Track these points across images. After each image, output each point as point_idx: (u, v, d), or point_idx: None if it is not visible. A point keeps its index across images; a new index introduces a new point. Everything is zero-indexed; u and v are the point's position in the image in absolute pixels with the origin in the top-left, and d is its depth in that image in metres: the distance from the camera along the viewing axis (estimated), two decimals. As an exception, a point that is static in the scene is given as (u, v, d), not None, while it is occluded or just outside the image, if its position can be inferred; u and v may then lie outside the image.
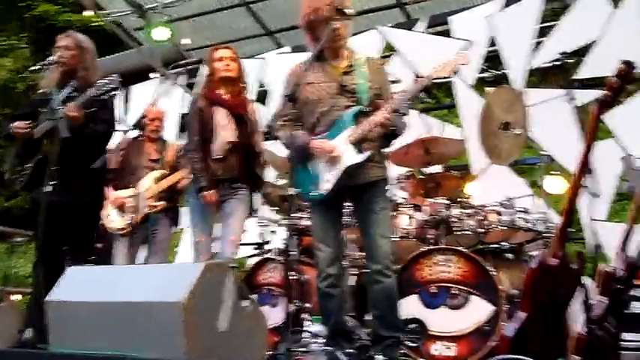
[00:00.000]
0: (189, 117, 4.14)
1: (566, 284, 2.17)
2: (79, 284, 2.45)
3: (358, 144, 3.28)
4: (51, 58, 3.97)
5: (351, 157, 3.28)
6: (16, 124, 3.98)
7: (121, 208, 4.61)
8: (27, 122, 3.97)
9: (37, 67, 4.03)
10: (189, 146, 4.11)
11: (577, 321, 2.16)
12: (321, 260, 3.36)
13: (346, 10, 3.37)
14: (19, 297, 7.95)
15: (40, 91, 4.18)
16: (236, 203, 4.02)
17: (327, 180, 3.31)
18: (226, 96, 4.08)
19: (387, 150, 3.57)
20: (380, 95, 3.41)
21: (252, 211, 4.19)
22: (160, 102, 4.21)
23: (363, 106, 3.33)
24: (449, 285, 3.95)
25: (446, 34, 6.90)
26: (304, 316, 4.24)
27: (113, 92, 3.82)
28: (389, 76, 3.67)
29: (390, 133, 3.36)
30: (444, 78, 3.50)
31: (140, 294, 2.22)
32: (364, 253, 4.41)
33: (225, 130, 3.98)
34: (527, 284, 2.21)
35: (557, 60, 6.17)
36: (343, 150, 3.29)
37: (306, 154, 3.37)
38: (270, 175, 6.30)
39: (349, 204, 3.65)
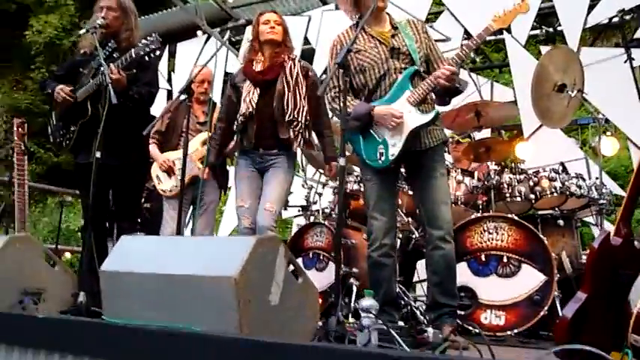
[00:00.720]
0: (225, 93, 4.20)
1: (631, 265, 2.08)
2: (132, 254, 2.46)
3: (420, 105, 3.22)
4: (97, 21, 3.91)
5: (415, 118, 3.20)
6: (61, 87, 3.95)
7: (169, 171, 4.63)
8: (71, 89, 3.95)
9: (82, 32, 3.99)
10: (217, 121, 4.23)
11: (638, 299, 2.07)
12: (376, 229, 3.31)
13: None
14: (68, 255, 8.18)
15: (82, 51, 4.13)
16: (273, 172, 3.95)
17: (394, 145, 3.24)
18: (260, 64, 4.01)
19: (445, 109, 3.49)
20: (429, 55, 3.36)
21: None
22: (206, 62, 4.11)
23: (417, 67, 3.27)
24: (499, 253, 3.88)
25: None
26: (352, 281, 4.24)
27: (154, 52, 3.76)
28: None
29: (453, 89, 3.24)
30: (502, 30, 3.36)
31: (193, 267, 2.21)
32: (410, 219, 4.42)
33: (244, 103, 3.96)
34: (588, 264, 2.12)
35: (614, 17, 5.95)
36: (407, 112, 3.21)
37: (369, 122, 3.29)
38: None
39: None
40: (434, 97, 3.33)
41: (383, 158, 3.27)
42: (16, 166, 4.84)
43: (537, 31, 7.00)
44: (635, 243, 2.14)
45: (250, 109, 3.92)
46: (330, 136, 4.09)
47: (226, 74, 7.93)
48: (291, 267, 2.32)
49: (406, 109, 3.21)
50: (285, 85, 3.92)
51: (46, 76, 15.07)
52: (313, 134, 4.16)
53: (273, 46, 4.02)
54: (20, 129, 4.82)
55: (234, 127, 4.03)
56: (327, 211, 5.00)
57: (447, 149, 4.88)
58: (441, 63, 3.32)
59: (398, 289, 3.81)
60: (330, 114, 3.74)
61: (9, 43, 15.91)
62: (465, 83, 3.31)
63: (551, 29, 6.96)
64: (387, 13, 3.45)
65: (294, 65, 3.98)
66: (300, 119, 3.89)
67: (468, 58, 3.21)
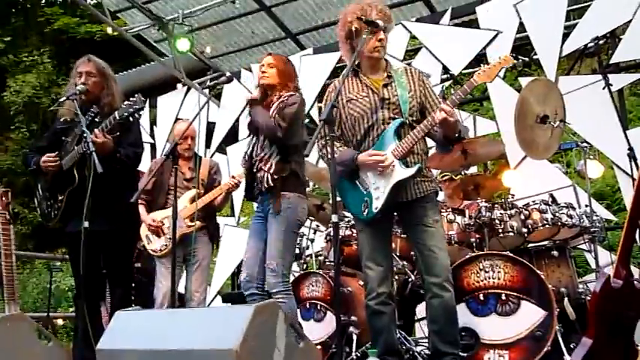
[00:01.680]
0: None
1: (633, 306, 2.06)
2: (128, 330, 2.42)
3: (404, 158, 3.21)
4: (78, 87, 3.90)
5: (398, 172, 3.19)
6: (45, 158, 3.92)
7: (157, 231, 4.59)
8: (55, 155, 3.92)
9: (62, 99, 3.96)
10: None
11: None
12: (371, 279, 3.30)
13: (379, 22, 3.28)
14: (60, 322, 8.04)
15: (62, 119, 4.10)
16: (270, 219, 3.75)
17: (377, 198, 3.23)
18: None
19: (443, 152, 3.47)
20: (423, 104, 3.34)
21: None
22: (186, 115, 4.11)
23: (404, 118, 3.25)
24: (497, 291, 3.85)
25: (470, 23, 6.76)
26: (351, 329, 4.19)
27: (138, 112, 3.75)
28: (430, 85, 3.54)
29: (452, 136, 3.25)
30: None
31: (192, 341, 2.17)
32: (406, 262, 4.39)
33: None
34: (591, 309, 2.11)
35: (589, 44, 6.04)
36: (391, 165, 3.21)
37: (354, 170, 3.28)
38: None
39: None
40: (423, 146, 3.31)
41: (367, 210, 3.27)
42: (1, 237, 4.76)
43: (515, 62, 7.09)
44: (636, 283, 2.13)
45: (245, 159, 3.90)
46: None
47: (208, 124, 7.97)
48: (293, 332, 2.29)
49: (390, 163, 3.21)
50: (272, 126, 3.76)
51: (26, 135, 15.06)
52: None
53: (270, 89, 3.88)
54: (4, 198, 4.75)
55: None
56: (320, 258, 4.97)
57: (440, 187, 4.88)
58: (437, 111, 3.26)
59: (398, 335, 3.76)
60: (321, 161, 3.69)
61: (-13, 105, 15.90)
62: (466, 129, 3.32)
63: (527, 59, 7.07)
64: (386, 60, 3.46)
65: (275, 102, 3.81)
66: (272, 159, 3.74)
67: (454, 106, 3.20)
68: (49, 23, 16.37)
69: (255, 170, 3.81)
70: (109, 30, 7.96)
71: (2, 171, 15.12)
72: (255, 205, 3.97)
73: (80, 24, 15.90)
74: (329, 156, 3.24)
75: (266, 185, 3.71)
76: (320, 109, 3.62)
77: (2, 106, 15.42)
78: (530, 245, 4.52)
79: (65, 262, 9.05)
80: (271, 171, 3.70)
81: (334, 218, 2.73)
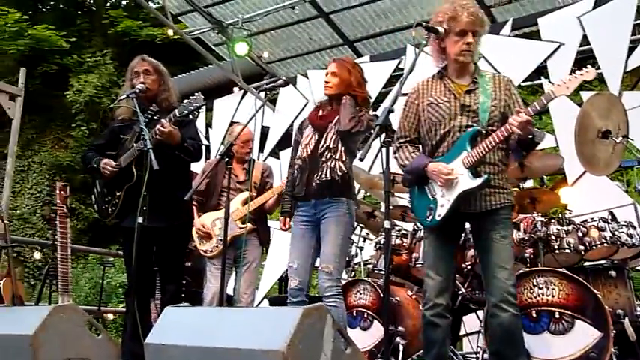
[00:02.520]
0: (293, 139, 4.11)
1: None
2: (177, 326, 2.43)
3: (474, 168, 3.10)
4: (138, 86, 3.96)
5: (465, 182, 3.10)
6: (106, 163, 3.99)
7: (206, 238, 4.63)
8: (115, 164, 3.98)
9: (122, 97, 4.03)
10: (288, 168, 4.08)
11: None
12: (430, 288, 3.19)
13: (482, 31, 3.19)
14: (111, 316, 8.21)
15: (119, 117, 4.17)
16: (326, 224, 3.72)
17: (442, 206, 3.15)
18: (323, 112, 3.92)
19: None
20: (506, 114, 3.15)
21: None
22: (241, 119, 4.13)
23: (481, 128, 3.13)
24: (551, 309, 3.74)
25: (531, 35, 6.65)
26: (398, 339, 4.14)
27: (198, 110, 3.80)
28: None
29: (528, 141, 3.07)
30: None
31: (239, 340, 2.16)
32: (457, 275, 4.30)
33: (301, 147, 3.89)
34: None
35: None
36: (459, 174, 3.11)
37: (424, 177, 3.21)
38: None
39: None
40: (500, 156, 3.19)
41: (430, 217, 3.19)
42: (59, 229, 4.90)
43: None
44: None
45: (304, 154, 3.83)
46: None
47: (263, 128, 8.03)
48: (340, 337, 2.26)
49: (459, 172, 3.11)
50: (333, 128, 3.80)
51: (86, 134, 15.47)
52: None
53: (333, 99, 3.88)
54: (62, 192, 4.89)
55: (294, 173, 3.89)
56: (369, 266, 4.93)
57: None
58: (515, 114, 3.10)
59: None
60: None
61: (50, 103, 16.40)
62: (542, 134, 3.17)
63: (590, 73, 6.88)
64: (475, 64, 3.31)
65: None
66: (336, 157, 3.74)
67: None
68: (112, 25, 16.82)
69: (321, 162, 3.75)
70: (170, 32, 8.13)
71: (62, 167, 15.57)
72: (300, 209, 3.87)
73: (142, 27, 16.28)
74: (404, 162, 3.30)
75: (339, 173, 3.70)
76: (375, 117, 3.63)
77: (65, 104, 15.88)
78: (586, 264, 4.39)
79: (117, 259, 9.29)
80: (343, 159, 3.73)
81: (387, 224, 2.69)
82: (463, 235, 4.13)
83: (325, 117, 3.89)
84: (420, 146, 3.35)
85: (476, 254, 4.26)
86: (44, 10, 19.20)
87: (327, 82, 3.88)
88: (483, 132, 3.12)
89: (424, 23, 3.23)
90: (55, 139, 16.52)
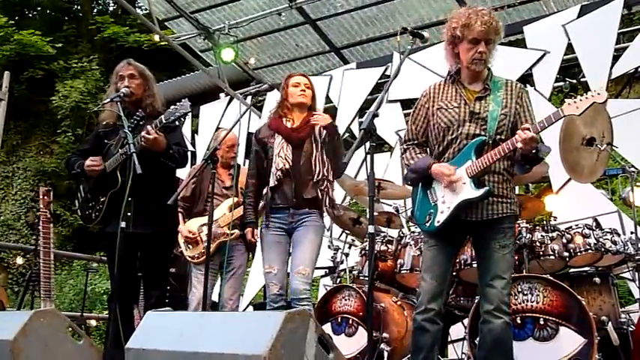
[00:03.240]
0: (252, 148, 4.14)
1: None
2: (158, 331, 2.40)
3: (477, 177, 3.08)
4: (122, 90, 3.93)
5: (466, 191, 3.08)
6: (89, 162, 3.96)
7: (193, 244, 4.60)
8: (99, 158, 3.96)
9: (106, 101, 4.00)
10: (249, 178, 4.14)
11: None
12: (423, 292, 3.18)
13: (497, 39, 3.17)
14: (94, 323, 8.13)
15: (104, 122, 4.14)
16: (304, 231, 3.85)
17: (442, 212, 3.14)
18: (289, 122, 4.01)
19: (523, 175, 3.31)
20: (516, 123, 3.13)
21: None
22: (227, 124, 4.11)
23: (488, 137, 3.10)
24: (535, 315, 3.74)
25: (517, 43, 6.69)
26: (382, 346, 4.12)
27: (185, 116, 3.78)
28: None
29: (531, 156, 3.04)
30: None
31: (220, 345, 2.14)
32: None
33: (278, 157, 3.91)
34: (636, 338, 2.01)
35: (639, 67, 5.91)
36: (462, 182, 3.10)
37: (427, 178, 3.21)
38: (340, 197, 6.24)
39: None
40: (506, 165, 3.17)
41: (429, 223, 3.19)
42: (41, 235, 4.84)
43: (561, 83, 6.98)
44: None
45: (287, 166, 3.87)
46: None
47: (249, 135, 8.01)
48: (323, 342, 2.24)
49: (462, 180, 3.10)
50: (314, 145, 3.91)
51: (72, 140, 15.37)
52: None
53: (302, 108, 4.04)
54: (46, 197, 4.83)
55: (270, 182, 3.92)
56: (354, 272, 4.91)
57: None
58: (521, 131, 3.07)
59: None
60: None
61: (35, 109, 16.30)
62: (547, 149, 3.14)
63: (574, 81, 6.94)
64: (489, 69, 3.27)
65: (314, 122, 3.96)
66: (328, 177, 3.89)
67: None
68: (99, 31, 16.76)
69: (307, 178, 3.87)
70: (156, 38, 8.11)
71: (47, 173, 15.46)
72: (275, 216, 3.93)
73: (129, 33, 16.24)
74: (409, 161, 3.33)
75: (326, 191, 3.89)
76: (360, 124, 3.63)
77: (50, 110, 15.78)
78: (571, 270, 4.39)
79: (102, 265, 9.20)
80: (330, 178, 3.92)
81: (371, 229, 2.68)
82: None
83: (298, 129, 3.97)
84: (428, 149, 3.35)
85: (461, 261, 4.27)
86: (30, 15, 19.13)
87: (303, 91, 4.03)
88: (490, 141, 3.10)
89: (409, 29, 3.22)
90: (40, 144, 16.41)
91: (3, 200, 15.26)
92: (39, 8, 19.24)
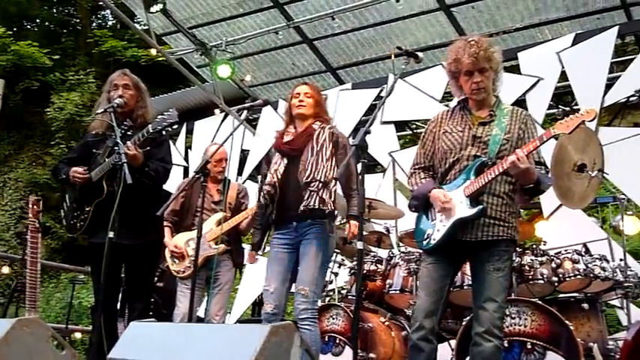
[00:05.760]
0: (262, 172, 4.09)
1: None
2: (141, 342, 2.37)
3: (473, 197, 3.11)
4: (116, 100, 3.92)
5: (461, 210, 3.12)
6: (74, 170, 3.94)
7: (179, 258, 4.57)
8: (84, 168, 3.94)
9: (99, 111, 3.99)
10: (258, 201, 4.01)
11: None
12: (418, 309, 3.19)
13: (492, 65, 3.21)
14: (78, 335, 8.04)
15: (93, 132, 4.12)
16: (306, 246, 3.71)
17: (438, 230, 3.19)
18: (290, 135, 3.95)
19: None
20: (519, 147, 3.13)
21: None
22: (221, 140, 4.08)
23: (488, 159, 3.14)
24: (523, 339, 3.72)
25: (511, 69, 6.73)
26: (368, 366, 4.09)
27: (171, 127, 3.74)
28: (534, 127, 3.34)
29: (527, 186, 3.10)
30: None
31: (204, 357, 2.12)
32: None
33: (269, 173, 3.86)
34: (624, 356, 2.00)
35: (631, 96, 5.95)
36: (458, 202, 3.14)
37: (427, 202, 3.26)
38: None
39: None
40: (507, 189, 3.18)
41: (426, 241, 3.23)
42: (29, 244, 4.78)
43: (554, 110, 7.02)
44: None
45: (275, 179, 3.80)
46: (354, 196, 3.81)
47: (242, 152, 8.01)
48: (308, 357, 2.22)
49: (459, 199, 3.14)
50: (310, 152, 3.78)
51: (65, 152, 15.33)
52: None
53: (303, 119, 3.92)
54: (35, 206, 4.79)
55: (262, 200, 3.86)
56: (343, 292, 4.89)
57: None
58: (533, 156, 3.14)
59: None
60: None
61: (29, 120, 16.26)
62: (548, 180, 3.16)
63: (567, 108, 6.98)
64: (496, 97, 3.33)
65: (323, 132, 3.84)
66: (318, 178, 3.70)
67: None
68: (97, 45, 16.80)
69: (306, 190, 3.71)
70: (153, 51, 8.13)
71: (39, 185, 15.37)
72: (279, 232, 3.85)
73: (127, 47, 16.27)
74: (412, 187, 3.39)
75: (328, 201, 3.70)
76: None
77: (44, 121, 15.75)
78: (559, 296, 4.39)
79: (89, 277, 9.13)
80: (324, 179, 3.71)
81: (359, 245, 2.67)
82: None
83: (292, 141, 3.89)
84: (434, 174, 3.39)
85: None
86: (29, 26, 19.16)
87: (301, 102, 3.91)
88: (490, 163, 3.14)
89: (404, 48, 3.26)
90: (32, 156, 16.34)
91: (-7, 211, 15.17)
92: (38, 20, 19.29)
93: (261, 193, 3.87)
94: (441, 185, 3.28)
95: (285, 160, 3.85)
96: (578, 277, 4.18)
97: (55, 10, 19.24)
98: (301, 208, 3.67)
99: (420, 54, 3.27)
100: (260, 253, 4.07)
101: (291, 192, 3.79)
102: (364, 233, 5.06)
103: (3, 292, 13.15)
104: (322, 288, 3.85)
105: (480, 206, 3.10)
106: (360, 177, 2.91)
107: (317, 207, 3.67)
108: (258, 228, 3.97)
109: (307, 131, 3.87)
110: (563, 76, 6.32)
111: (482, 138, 3.21)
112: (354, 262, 4.92)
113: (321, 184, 3.71)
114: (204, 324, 4.03)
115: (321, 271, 3.74)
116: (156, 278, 5.45)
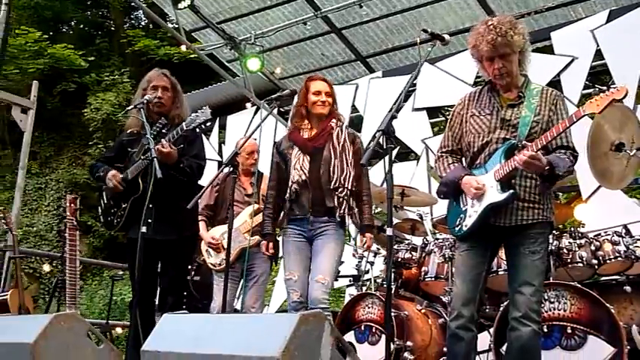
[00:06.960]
0: (272, 160, 4.11)
1: None
2: (174, 333, 2.40)
3: (503, 181, 3.04)
4: (148, 96, 3.97)
5: (492, 195, 3.06)
6: (111, 175, 4.01)
7: (216, 250, 4.60)
8: (121, 179, 4.00)
9: (130, 107, 4.04)
10: (268, 189, 4.09)
11: None
12: (455, 297, 3.17)
13: (514, 48, 3.08)
14: (119, 330, 8.17)
15: (129, 130, 4.20)
16: (323, 240, 3.81)
17: (470, 216, 3.13)
18: (307, 132, 3.96)
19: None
20: (549, 129, 3.04)
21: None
22: (253, 133, 4.06)
23: (517, 141, 3.07)
24: (563, 324, 3.65)
25: (544, 49, 6.60)
26: (406, 355, 4.06)
27: (205, 124, 3.77)
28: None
29: (547, 174, 3.00)
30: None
31: (234, 347, 2.12)
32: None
33: (294, 169, 3.88)
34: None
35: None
36: (489, 187, 3.07)
37: (457, 188, 3.20)
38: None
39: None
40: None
41: (459, 227, 3.19)
42: (67, 242, 4.89)
43: (590, 90, 6.85)
44: None
45: (304, 177, 3.83)
46: (368, 203, 3.94)
47: (275, 144, 8.02)
48: (339, 346, 2.20)
49: (489, 184, 3.08)
50: (332, 152, 3.86)
51: (103, 151, 15.60)
52: None
53: (322, 117, 3.97)
54: (72, 204, 4.88)
55: (287, 194, 3.90)
56: (378, 281, 4.87)
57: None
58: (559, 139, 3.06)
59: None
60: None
61: (68, 121, 16.57)
62: (566, 164, 3.03)
63: (604, 87, 6.81)
64: (525, 76, 3.23)
65: (342, 132, 3.94)
66: (346, 185, 3.81)
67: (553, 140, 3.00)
68: (130, 45, 17.02)
69: (326, 189, 3.82)
70: (183, 48, 8.19)
71: (79, 185, 15.67)
72: (293, 223, 3.92)
73: (160, 46, 16.45)
74: (441, 173, 3.34)
75: (348, 202, 3.83)
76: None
77: (82, 122, 16.04)
78: (601, 279, 4.29)
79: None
80: (349, 185, 3.83)
81: (389, 232, 2.64)
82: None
83: (314, 138, 3.93)
84: (462, 157, 3.35)
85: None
86: (64, 29, 19.50)
87: (323, 102, 3.95)
88: (520, 146, 3.06)
89: (429, 30, 3.20)
90: (72, 156, 16.67)
91: (36, 211, 15.50)
92: (72, 23, 19.61)
93: (289, 190, 3.89)
94: (470, 169, 3.22)
95: (308, 157, 3.89)
96: (619, 259, 4.08)
97: (89, 13, 19.53)
98: (338, 216, 3.81)
99: (446, 36, 3.21)
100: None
101: (311, 190, 3.85)
102: (397, 221, 5.04)
103: (48, 291, 13.47)
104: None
105: (511, 191, 3.03)
106: (388, 161, 2.87)
107: (345, 214, 3.83)
108: (270, 217, 4.00)
109: (327, 130, 3.93)
110: (599, 55, 6.16)
111: (511, 121, 3.13)
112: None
113: (349, 192, 3.84)
114: (235, 314, 4.05)
115: (336, 265, 3.85)
116: (192, 272, 5.51)
